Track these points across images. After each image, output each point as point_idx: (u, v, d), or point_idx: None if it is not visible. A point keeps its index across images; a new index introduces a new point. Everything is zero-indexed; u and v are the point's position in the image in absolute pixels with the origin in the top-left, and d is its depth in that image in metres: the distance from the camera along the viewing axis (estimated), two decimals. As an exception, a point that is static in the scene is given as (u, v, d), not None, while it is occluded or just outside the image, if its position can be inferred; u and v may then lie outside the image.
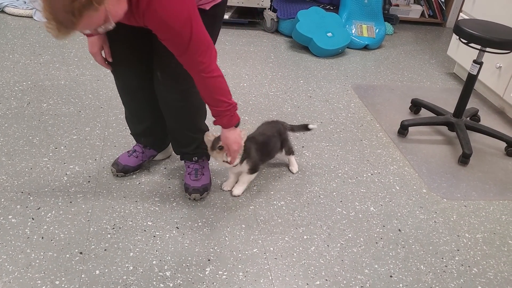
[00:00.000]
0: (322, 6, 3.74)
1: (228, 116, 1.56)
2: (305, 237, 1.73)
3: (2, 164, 1.91)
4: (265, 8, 3.70)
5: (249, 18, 3.81)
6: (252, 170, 1.86)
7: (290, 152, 2.07)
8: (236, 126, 1.63)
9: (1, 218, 1.65)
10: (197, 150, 1.87)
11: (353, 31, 3.60)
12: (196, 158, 1.88)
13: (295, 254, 1.65)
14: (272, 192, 1.94)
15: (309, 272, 1.58)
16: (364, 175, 2.13)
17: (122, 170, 1.90)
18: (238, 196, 1.89)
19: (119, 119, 2.30)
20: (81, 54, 2.88)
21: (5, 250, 1.52)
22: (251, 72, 2.99)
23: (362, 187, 2.05)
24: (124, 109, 1.89)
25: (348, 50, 3.55)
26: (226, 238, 1.68)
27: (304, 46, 3.43)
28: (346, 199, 1.96)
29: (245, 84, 2.83)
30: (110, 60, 1.66)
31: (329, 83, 2.98)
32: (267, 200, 1.89)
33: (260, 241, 1.69)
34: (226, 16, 3.68)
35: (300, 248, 1.68)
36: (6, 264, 1.48)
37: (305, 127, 2.10)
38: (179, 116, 1.75)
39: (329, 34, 3.37)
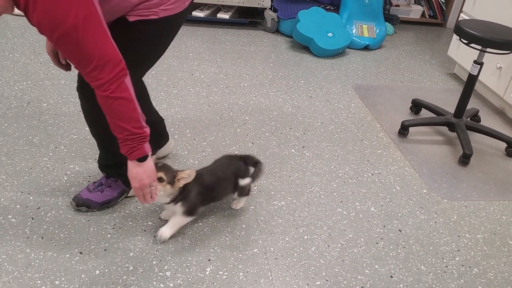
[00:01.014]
0: (323, 6, 3.74)
1: (129, 147, 1.37)
2: (305, 237, 1.73)
3: (2, 164, 1.91)
4: (265, 8, 3.70)
5: (250, 18, 3.80)
6: (188, 213, 1.63)
7: (243, 194, 1.78)
8: (141, 160, 1.40)
9: (1, 218, 1.64)
10: (108, 169, 1.75)
11: (354, 31, 3.60)
12: (105, 174, 1.76)
13: (295, 254, 1.65)
14: (272, 192, 1.94)
15: (309, 272, 1.58)
16: (365, 175, 2.13)
17: None
18: (164, 239, 1.62)
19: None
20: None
21: (5, 250, 1.52)
22: (252, 72, 2.99)
23: (363, 187, 2.05)
24: None
25: (348, 50, 3.54)
26: (227, 238, 1.68)
27: (304, 46, 3.43)
28: (346, 199, 1.96)
29: (245, 84, 2.83)
30: (63, 62, 1.60)
31: (330, 83, 2.98)
32: (268, 200, 1.89)
33: (260, 241, 1.68)
34: (226, 16, 3.68)
35: (301, 248, 1.67)
36: (5, 264, 1.47)
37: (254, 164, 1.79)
38: (89, 124, 1.67)
39: (330, 34, 3.37)
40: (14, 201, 1.72)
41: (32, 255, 1.52)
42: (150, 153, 1.43)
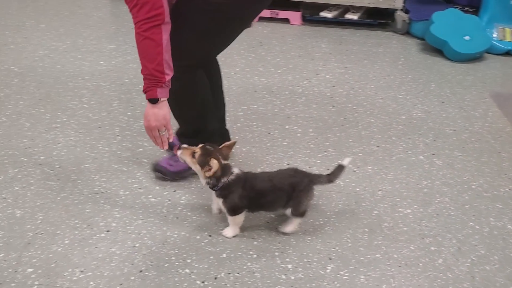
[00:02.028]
0: (460, 8, 3.51)
1: (145, 86, 1.50)
2: (432, 248, 1.65)
3: (145, 149, 2.10)
4: (396, 9, 3.58)
5: (379, 19, 3.71)
6: (232, 212, 1.60)
7: (297, 213, 1.63)
8: (153, 102, 1.50)
9: (143, 197, 1.82)
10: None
11: (495, 35, 3.32)
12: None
13: (420, 264, 1.58)
14: (398, 199, 1.88)
15: (435, 284, 1.51)
16: (501, 189, 1.96)
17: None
18: (229, 237, 1.65)
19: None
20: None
21: (145, 226, 1.68)
22: (379, 74, 2.92)
23: (499, 202, 1.89)
24: None
25: (487, 55, 3.28)
26: (348, 240, 1.67)
27: (437, 49, 3.25)
28: (479, 214, 1.82)
29: (372, 86, 2.77)
30: None
31: (464, 89, 2.79)
32: (392, 207, 1.83)
33: (383, 247, 1.64)
34: (355, 17, 3.63)
35: (426, 259, 1.60)
36: (145, 238, 1.63)
37: (340, 168, 1.67)
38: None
39: (467, 38, 3.15)
40: (154, 183, 1.89)
41: (168, 233, 1.66)
42: (162, 99, 1.51)
